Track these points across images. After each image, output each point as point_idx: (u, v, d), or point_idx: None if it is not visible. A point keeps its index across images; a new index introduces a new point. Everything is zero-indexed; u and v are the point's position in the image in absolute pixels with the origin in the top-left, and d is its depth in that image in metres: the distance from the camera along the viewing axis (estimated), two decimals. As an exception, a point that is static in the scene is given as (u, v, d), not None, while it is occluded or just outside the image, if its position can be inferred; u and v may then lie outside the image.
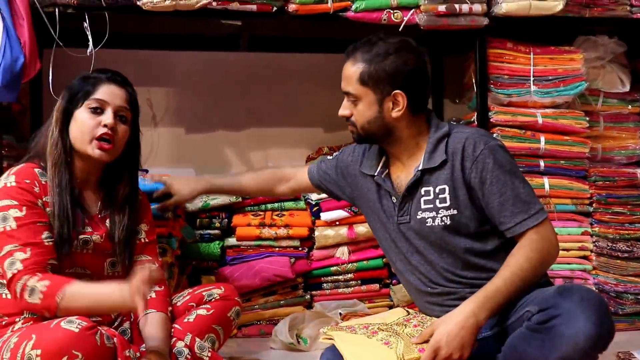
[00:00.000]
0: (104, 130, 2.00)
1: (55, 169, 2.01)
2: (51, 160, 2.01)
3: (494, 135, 2.84)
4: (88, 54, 2.66)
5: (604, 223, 2.92)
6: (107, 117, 2.01)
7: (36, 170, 2.01)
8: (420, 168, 1.99)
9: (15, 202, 1.93)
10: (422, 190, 2.00)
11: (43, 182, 1.99)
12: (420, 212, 1.99)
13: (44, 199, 1.98)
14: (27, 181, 1.97)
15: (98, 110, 2.02)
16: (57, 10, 2.61)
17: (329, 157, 2.41)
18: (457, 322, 1.75)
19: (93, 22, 2.65)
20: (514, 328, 1.81)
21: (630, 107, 3.19)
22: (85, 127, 2.01)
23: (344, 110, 2.06)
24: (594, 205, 2.95)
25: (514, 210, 1.89)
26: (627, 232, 2.89)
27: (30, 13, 2.52)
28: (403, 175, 2.05)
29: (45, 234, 1.94)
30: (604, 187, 2.94)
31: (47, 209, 1.98)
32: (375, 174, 2.10)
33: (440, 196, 1.97)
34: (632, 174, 2.96)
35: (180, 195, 2.47)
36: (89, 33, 2.65)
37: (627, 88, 3.15)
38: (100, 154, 2.02)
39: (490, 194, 1.91)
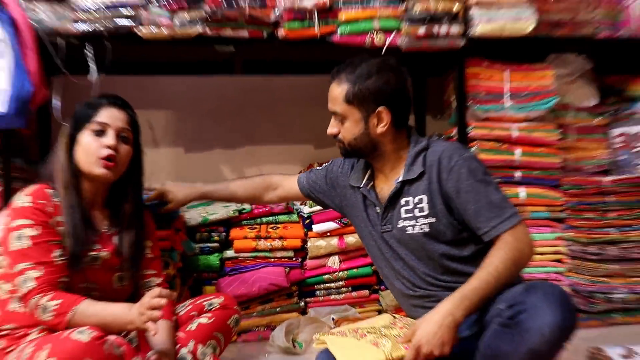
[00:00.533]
0: (108, 151, 2.03)
1: (65, 191, 2.03)
2: (61, 183, 2.04)
3: (473, 148, 2.88)
4: (91, 81, 2.66)
5: (576, 228, 2.94)
6: (109, 139, 2.04)
7: (49, 191, 2.03)
8: (400, 180, 2.03)
9: (31, 222, 1.95)
10: (403, 201, 2.03)
11: (55, 203, 2.01)
12: (401, 220, 2.03)
13: (56, 219, 2.00)
14: (41, 201, 1.99)
15: (100, 133, 2.05)
16: (61, 40, 2.62)
17: (318, 167, 2.43)
18: (435, 321, 1.76)
19: (96, 50, 2.65)
20: (489, 326, 1.82)
21: (597, 120, 3.22)
22: (90, 149, 2.04)
23: (332, 128, 2.09)
24: (566, 212, 2.97)
25: (488, 216, 1.90)
26: (597, 236, 2.91)
27: (36, 43, 2.54)
28: (386, 187, 2.09)
29: (57, 252, 1.95)
30: (575, 194, 2.96)
31: (59, 228, 1.99)
32: (361, 186, 2.14)
33: (419, 205, 2.00)
34: (600, 182, 2.97)
35: (176, 201, 2.51)
36: (91, 61, 2.66)
37: (595, 102, 3.19)
38: (104, 173, 2.04)
39: (466, 201, 1.93)
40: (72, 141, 2.07)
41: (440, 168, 1.98)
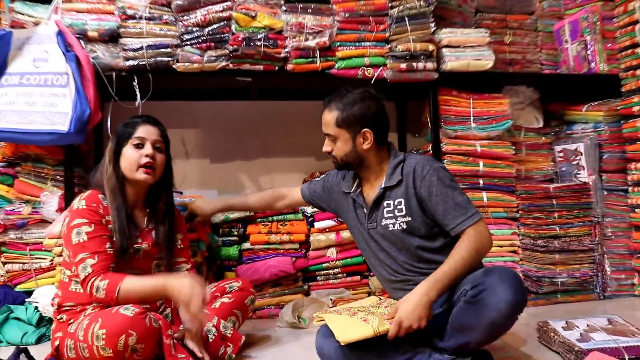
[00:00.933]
0: (147, 159, 2.07)
1: (112, 196, 2.05)
2: (108, 190, 2.06)
3: (444, 161, 2.91)
4: (137, 106, 2.68)
5: (527, 225, 2.95)
6: (147, 149, 2.08)
7: (100, 196, 2.05)
8: (382, 186, 2.06)
9: (86, 220, 1.98)
10: (385, 203, 2.06)
11: (105, 205, 2.04)
12: (384, 219, 2.05)
13: (106, 218, 2.02)
14: (94, 205, 2.02)
15: (140, 146, 2.08)
16: (114, 73, 2.64)
17: (316, 178, 2.46)
18: (413, 300, 1.79)
19: (140, 81, 2.68)
20: (457, 303, 1.85)
21: (543, 138, 3.27)
22: (132, 159, 2.07)
23: (327, 147, 2.12)
24: (519, 212, 2.98)
25: (455, 215, 1.94)
26: (544, 232, 2.92)
27: (94, 76, 2.56)
28: (371, 192, 2.11)
29: (108, 244, 1.98)
30: (527, 198, 2.97)
31: (109, 226, 2.02)
32: (351, 192, 2.16)
33: (398, 207, 2.03)
34: (546, 189, 2.98)
35: (202, 214, 2.57)
36: (137, 90, 2.68)
37: (541, 124, 3.24)
38: (146, 177, 2.08)
39: (436, 203, 1.96)
40: (116, 154, 2.10)
41: (415, 176, 2.01)
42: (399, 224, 2.02)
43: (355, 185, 2.17)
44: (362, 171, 2.13)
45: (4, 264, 2.68)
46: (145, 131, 2.10)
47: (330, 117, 2.06)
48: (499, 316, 1.72)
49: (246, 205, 2.64)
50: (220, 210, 2.64)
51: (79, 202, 2.03)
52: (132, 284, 1.91)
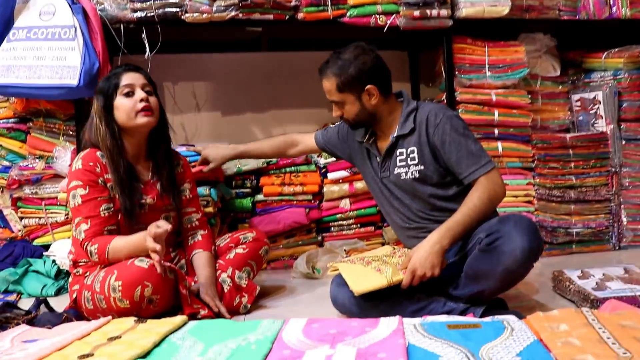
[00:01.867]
0: (143, 104, 2.02)
1: (110, 155, 2.01)
2: (105, 149, 2.01)
3: (459, 110, 2.86)
4: (146, 58, 2.65)
5: (543, 176, 2.92)
6: (140, 93, 2.03)
7: (98, 153, 2.02)
8: (395, 135, 2.04)
9: (81, 183, 1.96)
10: (397, 152, 2.04)
11: (104, 163, 2.01)
12: (397, 168, 2.05)
13: (105, 177, 1.99)
14: (91, 164, 1.99)
15: (130, 94, 2.02)
16: (122, 25, 2.60)
17: (331, 126, 2.44)
18: (426, 249, 1.79)
19: (149, 33, 2.64)
20: (471, 252, 1.85)
21: (560, 87, 3.19)
22: (127, 107, 2.02)
23: (336, 112, 2.09)
24: (535, 162, 2.94)
25: (468, 163, 1.92)
26: (560, 182, 2.90)
27: (102, 29, 2.52)
28: (384, 141, 2.09)
29: (104, 206, 1.96)
30: (543, 148, 2.93)
31: (108, 184, 1.99)
32: (365, 141, 2.15)
33: (410, 155, 2.01)
34: (562, 138, 2.95)
35: (214, 161, 2.51)
36: (146, 42, 2.65)
37: (558, 73, 3.15)
38: (148, 120, 2.04)
39: (450, 152, 1.95)
40: (107, 109, 2.03)
41: (428, 124, 1.99)
42: (412, 172, 2.02)
43: (368, 134, 2.15)
44: (375, 124, 2.11)
45: (21, 218, 2.71)
46: (130, 78, 2.04)
47: (329, 84, 2.03)
48: (514, 263, 1.72)
49: (259, 152, 2.58)
50: (233, 157, 2.58)
51: (76, 163, 2.01)
52: (118, 243, 1.91)
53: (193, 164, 2.50)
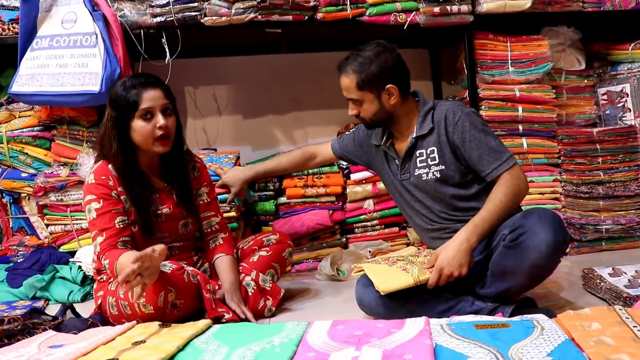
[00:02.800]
0: (161, 131, 1.96)
1: (121, 173, 1.99)
2: (117, 166, 1.99)
3: (482, 107, 2.82)
4: (166, 63, 2.65)
5: (569, 172, 2.86)
6: (159, 120, 1.96)
7: (109, 166, 2.00)
8: (414, 136, 2.02)
9: (94, 197, 1.96)
10: (417, 153, 2.03)
11: (116, 176, 1.99)
12: (417, 169, 2.03)
13: (118, 189, 1.99)
14: (103, 177, 1.98)
15: (149, 116, 1.96)
16: (142, 31, 2.62)
17: (347, 133, 2.42)
18: (453, 247, 1.78)
19: (169, 38, 2.64)
20: (496, 249, 1.82)
21: (585, 81, 3.13)
22: (145, 132, 1.96)
23: (353, 111, 2.07)
24: (561, 158, 2.88)
25: (489, 160, 1.91)
26: (587, 178, 2.84)
27: (122, 34, 2.53)
28: (402, 143, 2.08)
29: (118, 219, 1.95)
30: (569, 143, 2.88)
31: (122, 197, 1.99)
32: (382, 144, 2.13)
33: (431, 156, 2.00)
34: (589, 133, 2.89)
35: (234, 186, 2.51)
36: (166, 47, 2.65)
37: (583, 66, 3.08)
38: (163, 149, 2.01)
39: (470, 149, 1.93)
40: (121, 126, 1.97)
41: (447, 123, 1.97)
42: (432, 172, 2.00)
43: (385, 137, 2.13)
44: (391, 125, 2.09)
45: (47, 225, 2.74)
46: (150, 98, 1.95)
47: (349, 81, 2.01)
48: (540, 258, 1.70)
49: (279, 169, 2.62)
50: (253, 178, 2.60)
51: (89, 177, 2.01)
52: (123, 261, 1.83)
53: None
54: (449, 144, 1.97)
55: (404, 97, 2.03)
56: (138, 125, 1.96)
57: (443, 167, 1.98)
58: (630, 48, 3.03)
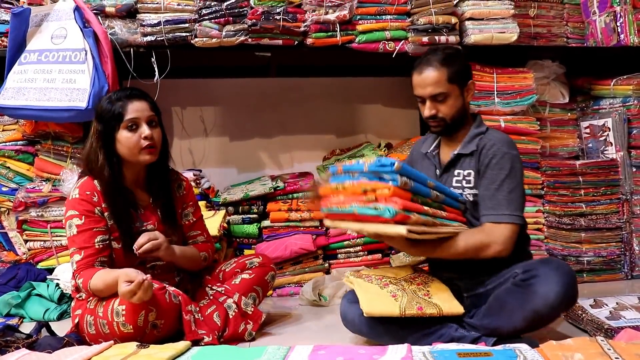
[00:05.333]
0: (146, 142, 1.97)
1: (106, 187, 1.97)
2: (101, 180, 1.97)
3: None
4: (155, 82, 2.65)
5: (552, 203, 2.88)
6: (145, 130, 1.97)
7: (95, 182, 1.98)
8: (455, 152, 1.98)
9: (77, 213, 1.93)
10: (455, 172, 1.98)
11: (100, 192, 1.97)
12: (452, 187, 1.97)
13: (103, 206, 1.96)
14: (87, 193, 1.95)
15: (134, 127, 1.96)
16: (132, 49, 2.62)
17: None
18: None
19: (158, 58, 2.64)
20: (502, 285, 1.78)
21: (569, 114, 3.16)
22: (131, 143, 1.96)
23: (431, 110, 1.95)
24: (544, 189, 2.90)
25: (487, 205, 1.86)
26: (569, 209, 2.85)
27: (112, 52, 2.52)
28: (446, 155, 2.04)
29: (98, 238, 1.93)
30: (552, 175, 2.89)
31: (105, 214, 1.96)
32: (429, 151, 2.10)
33: (467, 178, 1.95)
34: (572, 165, 2.91)
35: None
36: (155, 66, 2.65)
37: (567, 100, 3.13)
38: (149, 158, 2.00)
39: (482, 184, 1.89)
40: (106, 138, 1.97)
41: (485, 150, 1.92)
42: (466, 195, 1.94)
43: (433, 146, 2.11)
44: (450, 132, 2.02)
45: (26, 241, 2.69)
46: (135, 109, 1.96)
47: (439, 74, 1.92)
48: (545, 305, 1.64)
49: None
50: None
51: (73, 191, 1.98)
52: (97, 281, 1.84)
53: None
54: (478, 172, 1.93)
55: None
56: (123, 136, 1.96)
57: (477, 191, 1.92)
58: (612, 84, 3.08)
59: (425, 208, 1.70)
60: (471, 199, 1.93)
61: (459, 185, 1.96)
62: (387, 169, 1.63)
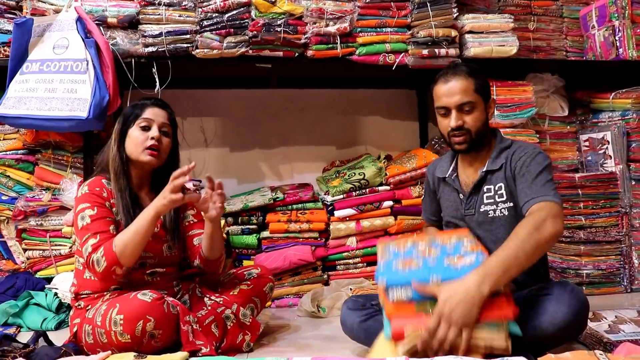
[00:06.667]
0: (152, 142, 2.04)
1: (115, 177, 2.04)
2: (113, 171, 2.05)
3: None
4: (156, 93, 2.65)
5: (551, 215, 2.88)
6: (154, 132, 2.06)
7: (103, 180, 2.04)
8: (484, 170, 1.92)
9: (89, 205, 1.96)
10: (485, 188, 1.93)
11: (109, 189, 2.03)
12: (484, 205, 1.92)
13: (111, 201, 2.01)
14: (97, 189, 2.01)
15: (146, 128, 2.06)
16: (133, 60, 2.63)
17: (423, 197, 2.27)
18: (461, 292, 1.51)
19: (159, 68, 2.66)
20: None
21: (568, 127, 3.19)
22: (138, 140, 2.05)
23: (458, 121, 1.88)
24: (544, 202, 2.90)
25: (529, 192, 1.75)
26: (568, 222, 2.84)
27: (113, 62, 2.54)
28: (469, 177, 1.99)
29: (112, 227, 1.95)
30: (552, 188, 2.90)
31: (113, 209, 2.00)
32: (447, 176, 2.04)
33: (498, 192, 1.90)
34: (571, 178, 2.91)
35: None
36: (156, 77, 2.67)
37: (566, 113, 3.16)
38: (150, 159, 2.04)
39: (520, 182, 1.82)
40: (122, 135, 2.08)
41: (515, 158, 1.88)
42: (500, 210, 1.89)
43: (451, 168, 2.04)
44: (470, 151, 1.95)
45: (25, 250, 2.69)
46: (152, 113, 2.08)
47: (467, 83, 1.88)
48: (549, 325, 1.62)
49: None
50: None
51: (82, 189, 2.03)
52: (123, 232, 1.89)
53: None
54: (513, 179, 1.86)
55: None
56: (134, 133, 2.06)
57: (511, 204, 1.87)
58: (611, 97, 3.10)
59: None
60: (506, 213, 1.88)
61: (492, 200, 1.91)
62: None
